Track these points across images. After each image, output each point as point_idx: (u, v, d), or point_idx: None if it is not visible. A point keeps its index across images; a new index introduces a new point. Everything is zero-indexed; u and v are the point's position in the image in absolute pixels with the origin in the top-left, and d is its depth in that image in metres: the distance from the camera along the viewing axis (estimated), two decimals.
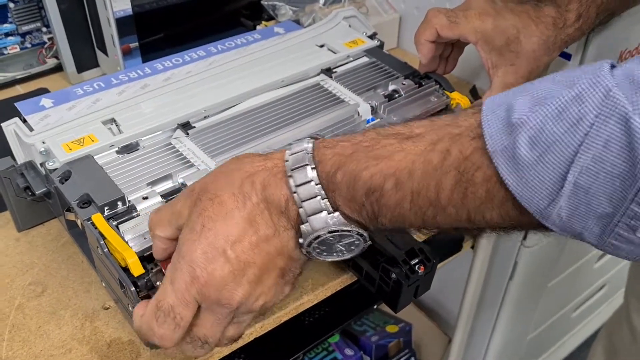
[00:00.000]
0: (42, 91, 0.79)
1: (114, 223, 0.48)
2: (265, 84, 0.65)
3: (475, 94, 0.79)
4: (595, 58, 0.71)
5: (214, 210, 0.38)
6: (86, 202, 0.49)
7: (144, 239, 0.47)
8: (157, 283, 0.45)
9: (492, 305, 0.97)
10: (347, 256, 0.41)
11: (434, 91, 0.67)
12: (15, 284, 0.54)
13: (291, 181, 0.38)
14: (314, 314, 0.82)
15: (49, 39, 0.83)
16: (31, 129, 0.56)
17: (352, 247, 0.40)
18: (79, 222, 0.50)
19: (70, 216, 0.51)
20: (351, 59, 0.72)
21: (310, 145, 0.39)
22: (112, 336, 0.50)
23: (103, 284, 0.53)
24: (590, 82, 0.30)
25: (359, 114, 0.63)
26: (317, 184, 0.37)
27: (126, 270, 0.45)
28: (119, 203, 0.49)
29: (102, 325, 0.51)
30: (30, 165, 0.55)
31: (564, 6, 0.63)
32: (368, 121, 0.63)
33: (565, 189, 0.30)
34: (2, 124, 0.57)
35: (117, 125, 0.58)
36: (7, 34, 0.80)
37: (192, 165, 0.54)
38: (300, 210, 0.38)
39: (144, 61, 0.78)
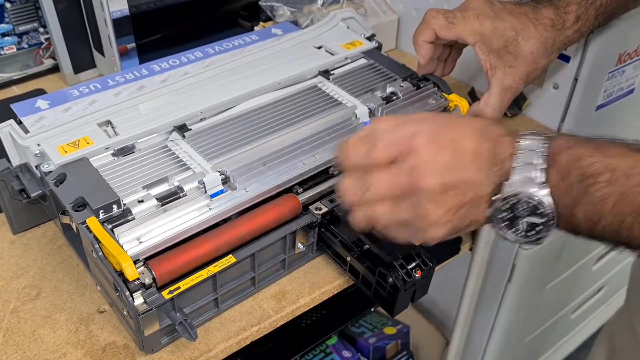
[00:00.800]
0: (39, 92, 0.78)
1: (109, 226, 0.48)
2: (263, 85, 0.64)
3: (473, 96, 0.79)
4: (595, 60, 0.70)
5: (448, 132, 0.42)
6: (81, 205, 0.49)
7: (139, 242, 0.47)
8: (147, 281, 0.45)
9: (490, 307, 0.97)
10: (522, 241, 0.42)
11: (432, 93, 0.67)
12: (10, 287, 0.54)
13: (519, 143, 0.41)
14: (311, 316, 0.82)
15: (46, 39, 0.83)
16: (27, 131, 0.56)
17: (532, 232, 0.41)
18: (73, 226, 0.50)
19: (65, 219, 0.51)
20: (349, 60, 0.71)
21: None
22: (107, 340, 0.50)
23: (98, 288, 0.52)
24: None
25: (356, 117, 0.63)
26: (543, 155, 0.40)
27: (121, 274, 0.44)
28: (114, 206, 0.49)
29: (97, 329, 0.50)
30: (25, 167, 0.55)
31: (562, 8, 0.62)
32: (365, 123, 0.63)
33: None
34: None
35: (112, 128, 0.58)
36: (3, 34, 0.80)
37: (188, 168, 0.53)
38: (514, 166, 0.41)
39: (141, 62, 0.78)
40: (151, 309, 0.45)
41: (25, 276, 0.55)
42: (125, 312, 0.46)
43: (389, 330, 1.04)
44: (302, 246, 0.55)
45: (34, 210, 0.59)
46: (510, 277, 0.91)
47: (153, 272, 0.45)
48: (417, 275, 0.49)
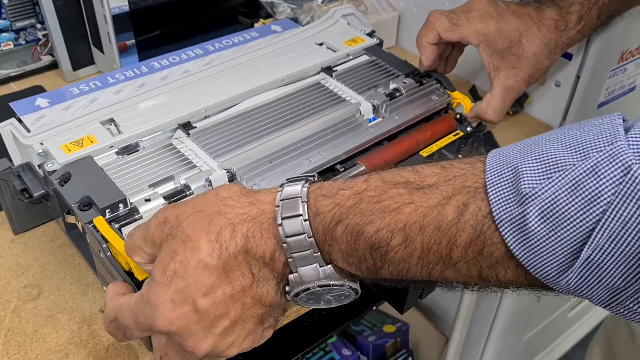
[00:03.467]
0: (37, 89, 0.77)
1: (116, 226, 0.47)
2: (265, 83, 0.64)
3: (475, 94, 0.79)
4: (597, 58, 0.70)
5: (186, 256, 0.35)
6: (87, 204, 0.48)
7: None
8: None
9: (490, 305, 0.97)
10: (335, 305, 0.39)
11: (435, 90, 0.67)
12: (11, 287, 0.53)
13: (281, 230, 0.35)
14: (312, 315, 0.81)
15: (44, 35, 0.82)
16: (28, 130, 0.55)
17: (342, 298, 0.38)
18: (79, 225, 0.49)
19: (71, 219, 0.50)
20: (351, 57, 0.71)
21: (305, 189, 0.36)
22: (110, 340, 0.49)
23: (104, 288, 0.52)
24: (607, 155, 0.28)
25: (360, 113, 0.62)
26: (310, 237, 0.35)
27: (129, 273, 0.44)
28: (121, 205, 0.48)
29: (99, 328, 0.50)
30: (27, 167, 0.54)
31: (565, 8, 0.62)
32: (370, 120, 0.62)
33: (577, 264, 0.29)
34: None
35: (116, 126, 0.57)
36: (0, 30, 0.78)
37: (194, 166, 0.53)
38: (290, 260, 0.36)
39: (140, 59, 0.77)
40: None
41: (26, 275, 0.54)
42: None
43: (388, 329, 1.04)
44: None
45: (36, 210, 0.58)
46: None
47: None
48: None
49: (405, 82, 0.66)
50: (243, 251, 0.36)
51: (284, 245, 0.35)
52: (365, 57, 0.71)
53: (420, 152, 0.62)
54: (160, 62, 0.70)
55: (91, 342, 0.49)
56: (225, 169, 0.52)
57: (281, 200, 0.36)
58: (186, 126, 0.57)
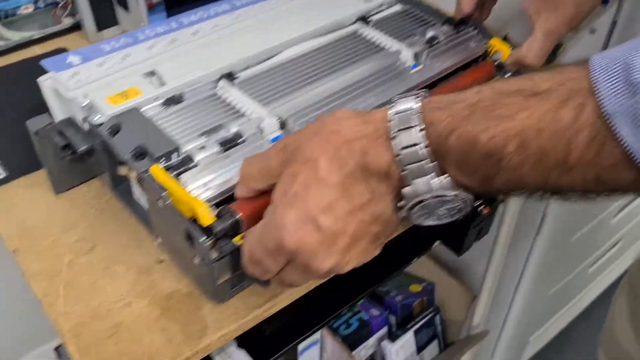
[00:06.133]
0: (61, 51, 0.76)
1: (172, 174, 0.46)
2: (302, 34, 0.63)
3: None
4: (634, 2, 0.69)
5: (308, 175, 0.36)
6: (140, 154, 0.48)
7: (206, 189, 0.46)
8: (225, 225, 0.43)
9: (518, 261, 0.97)
10: (448, 220, 0.39)
11: (473, 37, 0.66)
12: (62, 242, 0.52)
13: (396, 142, 0.35)
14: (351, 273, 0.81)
15: None
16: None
17: (455, 212, 0.38)
18: (132, 176, 0.48)
19: (123, 170, 0.50)
20: (385, 6, 0.70)
21: (418, 104, 0.36)
22: (170, 288, 0.49)
23: (159, 240, 0.51)
24: None
25: (401, 61, 0.61)
26: (424, 147, 0.35)
27: (193, 221, 0.43)
28: (174, 154, 0.48)
29: (158, 278, 0.50)
30: (69, 122, 0.53)
31: None
32: (412, 67, 0.61)
33: None
34: (38, 80, 0.54)
35: (158, 78, 0.56)
36: None
37: (242, 115, 0.52)
38: (404, 173, 0.36)
39: (167, 15, 0.76)
40: (224, 256, 0.44)
41: (76, 230, 0.54)
42: (196, 261, 0.45)
43: (415, 288, 1.05)
44: None
45: (77, 168, 0.57)
46: (540, 229, 0.91)
47: (237, 214, 0.43)
48: (484, 212, 0.49)
49: (442, 30, 0.65)
50: (361, 167, 0.36)
51: (398, 158, 0.35)
52: (399, 7, 0.70)
53: None
54: (189, 17, 0.69)
55: (152, 292, 0.48)
56: (277, 116, 0.52)
57: (395, 114, 0.36)
58: (229, 76, 0.56)
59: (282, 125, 0.52)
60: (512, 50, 0.65)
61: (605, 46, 0.73)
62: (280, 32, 0.62)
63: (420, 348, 1.03)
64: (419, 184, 0.36)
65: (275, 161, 0.39)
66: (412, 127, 0.35)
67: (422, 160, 0.35)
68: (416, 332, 1.01)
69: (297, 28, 0.63)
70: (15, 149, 0.61)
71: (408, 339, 1.00)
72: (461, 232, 0.49)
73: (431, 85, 0.61)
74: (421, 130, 0.35)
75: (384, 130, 0.36)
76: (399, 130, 0.35)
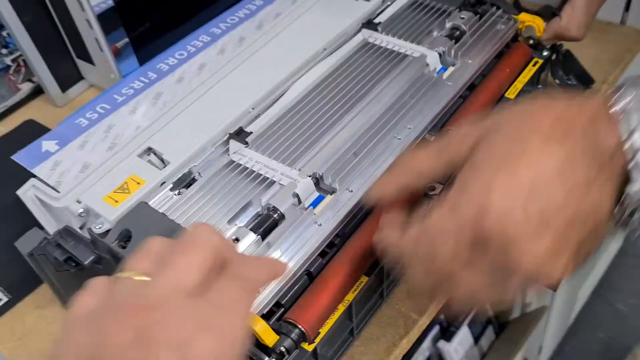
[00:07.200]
0: (30, 125, 0.66)
1: None
2: (306, 58, 0.53)
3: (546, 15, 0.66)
4: None
5: (515, 147, 0.30)
6: None
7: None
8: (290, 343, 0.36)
9: None
10: None
11: (499, 17, 0.57)
12: None
13: (624, 124, 0.29)
14: None
15: (13, 60, 0.69)
16: (57, 191, 0.44)
17: None
18: None
19: None
20: (389, 2, 0.60)
21: None
22: None
23: None
24: None
25: (428, 66, 0.52)
26: None
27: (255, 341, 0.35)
28: None
29: None
30: (65, 232, 0.44)
31: None
32: (439, 71, 0.53)
33: None
34: (18, 192, 0.45)
35: (157, 156, 0.46)
36: None
37: (271, 182, 0.43)
38: (631, 165, 0.29)
39: (140, 60, 0.65)
40: None
41: None
42: None
43: None
44: None
45: (86, 274, 0.48)
46: None
47: (300, 326, 0.35)
48: None
49: (463, 18, 0.56)
50: (582, 143, 0.30)
51: (627, 142, 0.29)
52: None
53: (506, 95, 0.53)
54: (167, 61, 0.59)
55: None
56: (309, 175, 0.43)
57: (619, 95, 0.30)
58: (239, 134, 0.47)
59: (317, 183, 0.43)
60: (548, 23, 0.56)
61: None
62: (281, 63, 0.53)
63: (477, 339, 0.97)
64: None
65: (460, 141, 0.33)
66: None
67: None
68: (470, 325, 0.95)
69: (299, 54, 0.53)
70: (6, 268, 0.52)
71: (464, 334, 0.94)
72: None
73: (470, 87, 0.52)
74: None
75: (607, 109, 0.30)
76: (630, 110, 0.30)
